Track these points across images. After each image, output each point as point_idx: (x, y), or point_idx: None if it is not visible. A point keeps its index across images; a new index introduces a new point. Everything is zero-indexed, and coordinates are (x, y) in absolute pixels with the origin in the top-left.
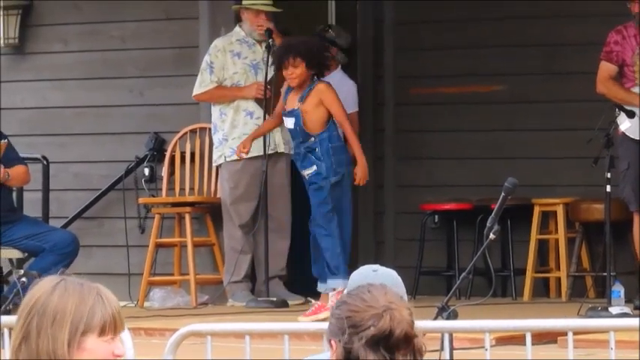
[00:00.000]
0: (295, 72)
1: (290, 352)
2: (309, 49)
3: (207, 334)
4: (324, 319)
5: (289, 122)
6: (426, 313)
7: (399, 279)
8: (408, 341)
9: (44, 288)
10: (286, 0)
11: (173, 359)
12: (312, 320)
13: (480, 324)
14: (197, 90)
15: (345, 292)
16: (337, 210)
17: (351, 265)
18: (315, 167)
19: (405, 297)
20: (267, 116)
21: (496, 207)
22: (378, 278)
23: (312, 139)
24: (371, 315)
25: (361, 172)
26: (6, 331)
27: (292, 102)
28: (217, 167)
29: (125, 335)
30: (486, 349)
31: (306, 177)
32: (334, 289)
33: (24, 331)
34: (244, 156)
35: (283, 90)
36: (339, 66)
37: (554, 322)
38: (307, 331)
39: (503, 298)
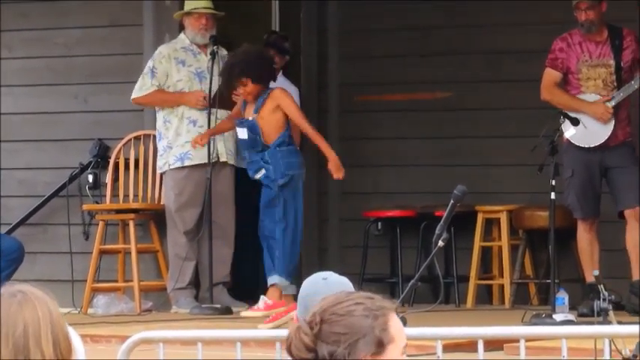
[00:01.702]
0: (246, 90)
1: None
2: (250, 65)
3: (160, 341)
4: (283, 325)
5: (241, 132)
6: None
7: (351, 286)
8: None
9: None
10: (229, 2)
11: None
12: (273, 327)
13: (432, 331)
14: (136, 93)
15: (299, 298)
16: (285, 212)
17: (296, 273)
18: (263, 170)
19: None
20: (210, 125)
21: (445, 214)
22: (329, 286)
23: (269, 147)
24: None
25: (334, 166)
26: None
27: (249, 112)
28: (162, 174)
29: (77, 342)
30: (438, 357)
31: (258, 180)
32: (272, 285)
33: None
34: (198, 147)
35: (240, 100)
36: (280, 71)
37: (509, 329)
38: (259, 338)
39: (447, 304)
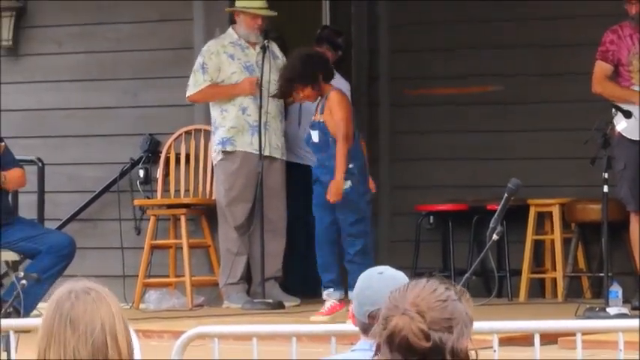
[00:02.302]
0: (304, 94)
1: (297, 354)
2: (298, 75)
3: (215, 336)
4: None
5: (313, 135)
6: None
7: (407, 280)
8: (411, 350)
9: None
10: (280, 0)
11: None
12: (326, 320)
13: (489, 325)
14: (191, 90)
15: (354, 292)
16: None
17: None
18: (350, 183)
19: None
20: (261, 115)
21: (499, 208)
22: (382, 280)
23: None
24: (387, 314)
25: (333, 187)
26: (11, 334)
27: (316, 114)
28: (212, 168)
29: (132, 338)
30: (495, 350)
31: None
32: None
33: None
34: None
35: None
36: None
37: (565, 323)
38: (314, 333)
39: (499, 298)
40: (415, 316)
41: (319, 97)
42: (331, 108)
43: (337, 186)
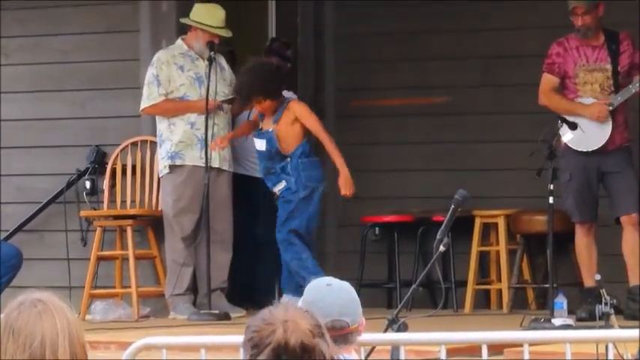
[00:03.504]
0: (263, 107)
1: None
2: (261, 84)
3: (163, 347)
4: None
5: (260, 144)
6: (373, 326)
7: (354, 292)
8: (306, 350)
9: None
10: (226, 2)
11: None
12: None
13: (436, 336)
14: (145, 103)
15: (303, 303)
16: (302, 225)
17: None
18: (284, 182)
19: (360, 309)
20: (207, 128)
21: (446, 219)
22: (333, 292)
23: (288, 158)
24: (269, 332)
25: (343, 182)
26: None
27: (267, 123)
28: (159, 179)
29: None
30: None
31: (277, 193)
32: None
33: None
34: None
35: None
36: None
37: (513, 334)
38: None
39: (445, 309)
40: (299, 321)
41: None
42: (301, 117)
43: (348, 180)
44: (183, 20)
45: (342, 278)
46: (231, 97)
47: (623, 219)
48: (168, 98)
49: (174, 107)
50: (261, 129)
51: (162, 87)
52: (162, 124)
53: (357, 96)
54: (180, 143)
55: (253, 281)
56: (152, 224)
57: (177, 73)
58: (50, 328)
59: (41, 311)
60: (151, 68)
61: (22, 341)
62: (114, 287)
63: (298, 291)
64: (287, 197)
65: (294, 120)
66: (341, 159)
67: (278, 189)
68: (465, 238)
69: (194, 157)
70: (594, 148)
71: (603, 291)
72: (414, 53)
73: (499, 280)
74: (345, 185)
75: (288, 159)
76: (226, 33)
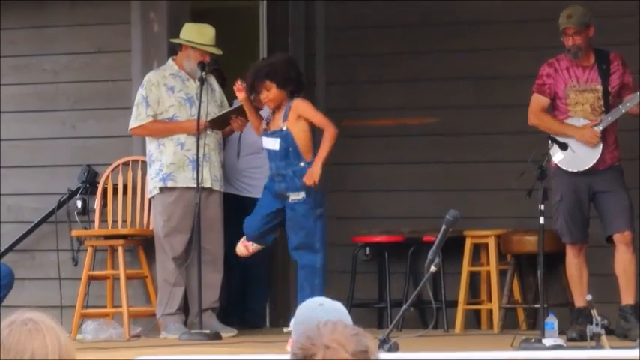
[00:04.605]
0: (269, 95)
1: None
2: (275, 70)
3: None
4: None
5: (273, 143)
6: None
7: (346, 311)
8: None
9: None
10: (219, 34)
11: None
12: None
13: (427, 356)
14: (133, 124)
15: (291, 325)
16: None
17: (285, 297)
18: (304, 194)
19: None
20: (198, 149)
21: (437, 239)
22: (325, 311)
23: (302, 164)
24: (310, 353)
25: (311, 174)
26: None
27: (276, 123)
28: (150, 199)
29: None
30: None
31: (290, 201)
32: None
33: None
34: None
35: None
36: None
37: (504, 354)
38: None
39: (435, 329)
40: (339, 348)
41: (280, 108)
42: (303, 113)
43: (315, 171)
44: (173, 40)
45: (332, 298)
46: (218, 115)
47: (616, 237)
48: (156, 119)
49: (162, 128)
50: (266, 129)
51: (151, 108)
52: (151, 145)
53: (347, 116)
54: (171, 165)
55: (244, 301)
56: (143, 244)
57: (166, 94)
58: (40, 346)
59: (32, 330)
60: (141, 89)
61: (12, 359)
62: (105, 307)
63: None
64: (302, 211)
65: (298, 118)
66: (326, 154)
67: (294, 198)
68: (456, 258)
69: (186, 179)
70: (585, 169)
71: (594, 311)
72: (404, 74)
73: (490, 300)
74: (311, 177)
75: (302, 164)
76: (217, 51)
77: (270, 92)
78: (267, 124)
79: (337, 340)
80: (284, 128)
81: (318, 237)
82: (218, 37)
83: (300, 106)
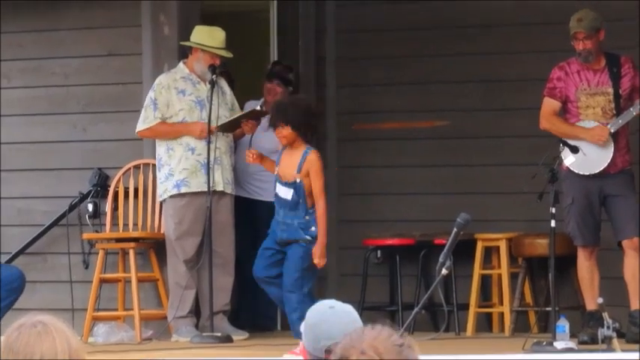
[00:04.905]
0: (282, 132)
1: None
2: (296, 114)
3: None
4: None
5: (286, 192)
6: None
7: (356, 314)
8: None
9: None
10: (228, 35)
11: None
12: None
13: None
14: (140, 126)
15: (302, 327)
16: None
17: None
18: (305, 244)
19: None
20: (209, 153)
21: (448, 242)
22: (336, 314)
23: (307, 216)
24: (348, 354)
25: (318, 250)
26: None
27: (288, 169)
28: (161, 203)
29: None
30: None
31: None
32: None
33: None
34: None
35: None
36: None
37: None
38: None
39: (447, 332)
40: (373, 356)
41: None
42: (312, 172)
43: (323, 248)
44: (184, 43)
45: (344, 301)
46: (228, 119)
47: (625, 243)
48: (163, 121)
49: (169, 130)
50: (280, 177)
51: (159, 111)
52: (160, 149)
53: (358, 119)
54: (184, 170)
55: (256, 304)
56: (154, 247)
57: (177, 97)
58: (49, 349)
59: (41, 332)
60: (151, 92)
61: None
62: (116, 310)
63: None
64: (300, 253)
65: (307, 172)
66: (324, 229)
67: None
68: (467, 261)
69: (199, 184)
70: (596, 172)
71: (605, 314)
72: (414, 77)
73: (501, 303)
74: (320, 256)
75: (307, 217)
76: (227, 53)
77: (284, 130)
78: (278, 166)
79: (375, 348)
80: (297, 180)
81: (310, 279)
82: (228, 40)
83: (315, 164)
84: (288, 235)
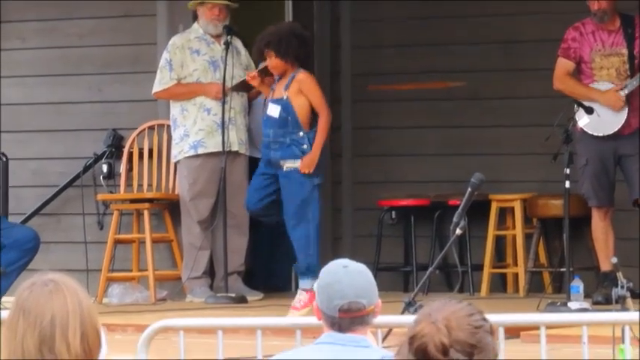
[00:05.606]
0: (271, 62)
1: (262, 347)
2: (276, 40)
3: (180, 328)
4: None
5: (274, 110)
6: (390, 309)
7: (370, 274)
8: (426, 358)
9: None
10: (243, 0)
11: (146, 356)
12: (301, 314)
13: None
14: (157, 87)
15: (315, 286)
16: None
17: None
18: (299, 162)
19: (376, 291)
20: (224, 114)
21: (462, 202)
22: (349, 274)
23: (301, 133)
24: (418, 318)
25: (308, 162)
26: None
27: (279, 91)
28: (176, 164)
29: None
30: None
31: (284, 169)
32: (304, 290)
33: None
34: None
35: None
36: None
37: (530, 316)
38: (280, 326)
39: (461, 293)
40: (442, 328)
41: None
42: (304, 89)
43: (313, 159)
44: (190, 5)
45: (358, 261)
46: (242, 79)
47: None
48: (179, 82)
49: (185, 90)
50: (272, 96)
51: (175, 72)
52: (175, 109)
53: (373, 81)
54: (200, 131)
55: (270, 265)
56: (169, 208)
57: (191, 57)
58: (60, 307)
59: (52, 290)
60: (165, 53)
61: (32, 320)
62: (131, 270)
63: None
64: (298, 179)
65: (298, 92)
66: (322, 141)
67: (288, 165)
68: (482, 222)
69: (217, 144)
70: (610, 133)
71: (619, 274)
72: (429, 38)
73: (515, 264)
74: (309, 165)
75: (301, 133)
76: (223, 1)
77: (272, 60)
78: (273, 90)
79: (448, 321)
80: (284, 97)
81: (314, 207)
82: (244, 26)
83: (304, 80)
84: (282, 154)
